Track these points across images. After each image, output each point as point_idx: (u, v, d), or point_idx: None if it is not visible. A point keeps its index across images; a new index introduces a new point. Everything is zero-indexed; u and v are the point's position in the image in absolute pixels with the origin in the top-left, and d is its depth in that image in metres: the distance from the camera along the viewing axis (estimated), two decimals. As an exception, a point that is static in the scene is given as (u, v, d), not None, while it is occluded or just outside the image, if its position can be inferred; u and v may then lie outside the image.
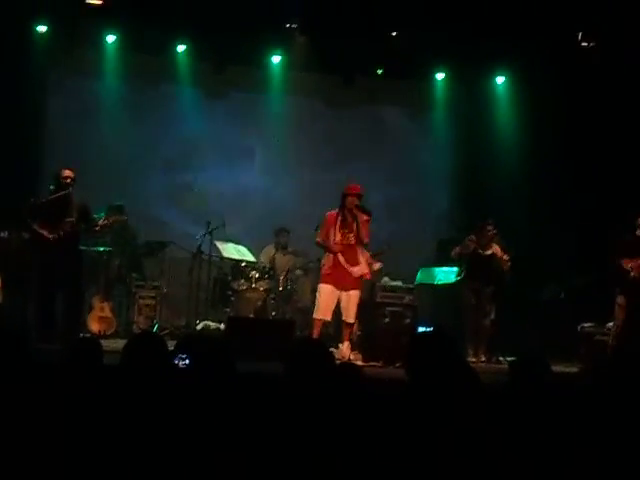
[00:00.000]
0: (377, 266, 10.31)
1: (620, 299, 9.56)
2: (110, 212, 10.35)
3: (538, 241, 11.34)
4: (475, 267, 10.24)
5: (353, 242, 9.33)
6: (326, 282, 9.37)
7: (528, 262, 10.52)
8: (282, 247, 11.61)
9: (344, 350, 9.22)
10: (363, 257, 9.45)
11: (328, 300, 9.35)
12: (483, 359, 10.04)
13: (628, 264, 9.42)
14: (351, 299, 9.36)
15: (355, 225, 9.31)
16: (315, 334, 9.17)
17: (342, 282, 9.33)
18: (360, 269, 9.37)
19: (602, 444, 3.50)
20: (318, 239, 9.50)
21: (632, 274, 9.42)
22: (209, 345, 3.94)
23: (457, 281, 10.77)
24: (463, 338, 9.88)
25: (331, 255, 9.34)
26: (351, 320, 9.42)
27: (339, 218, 9.33)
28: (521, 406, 3.73)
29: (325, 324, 9.70)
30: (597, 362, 8.71)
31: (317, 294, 9.54)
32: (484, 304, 10.30)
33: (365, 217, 9.29)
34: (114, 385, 3.89)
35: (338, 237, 9.32)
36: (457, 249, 10.40)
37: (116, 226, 10.36)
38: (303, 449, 3.31)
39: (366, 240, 9.45)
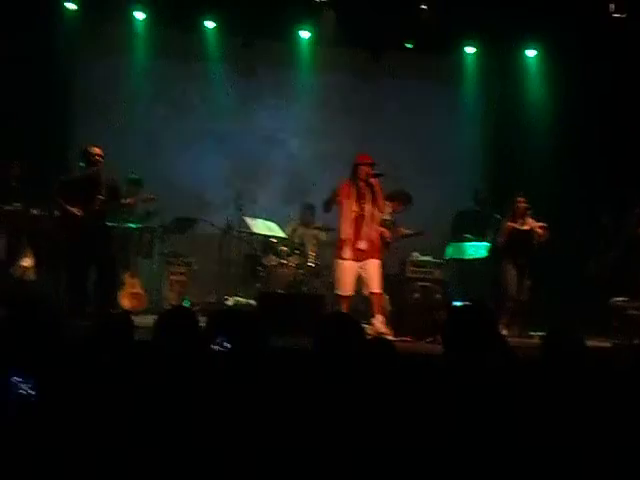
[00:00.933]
0: (403, 231, 10.27)
1: None
2: (129, 186, 10.42)
3: (568, 215, 11.24)
4: (514, 242, 10.20)
5: (370, 213, 9.23)
6: (342, 257, 9.24)
7: (558, 237, 10.44)
8: (307, 223, 11.60)
9: (377, 324, 9.07)
10: (375, 231, 9.31)
11: (347, 276, 9.21)
12: (514, 334, 10.00)
13: None
14: (370, 269, 9.20)
15: (372, 195, 9.19)
16: (344, 310, 8.98)
17: (358, 253, 9.19)
18: (366, 244, 9.20)
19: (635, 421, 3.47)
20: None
21: None
22: (242, 320, 3.94)
23: (489, 256, 10.75)
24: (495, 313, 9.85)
25: (345, 227, 9.20)
26: (376, 289, 9.24)
27: (353, 189, 9.16)
28: (554, 381, 3.72)
29: (353, 299, 9.62)
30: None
31: (335, 270, 9.44)
32: (523, 279, 10.26)
33: (378, 185, 9.14)
34: (146, 361, 3.90)
35: (355, 208, 9.18)
36: (501, 239, 10.34)
37: (143, 203, 10.43)
38: (334, 424, 3.31)
39: (383, 210, 9.37)
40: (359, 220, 9.19)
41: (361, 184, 9.13)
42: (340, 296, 9.29)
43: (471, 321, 3.72)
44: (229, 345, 3.78)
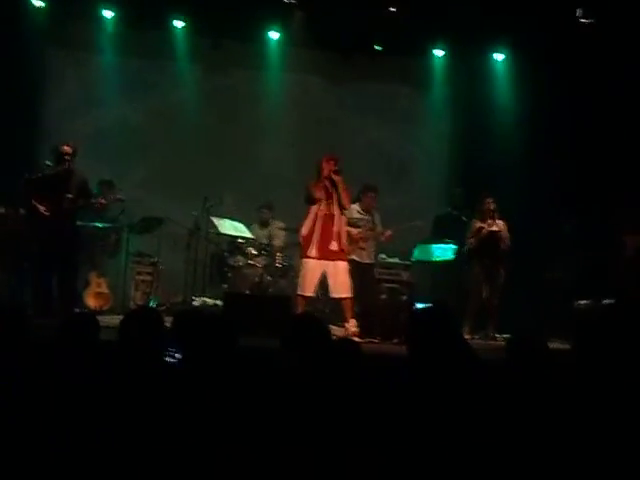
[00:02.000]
0: (388, 233, 10.29)
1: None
2: (102, 187, 10.41)
3: (536, 219, 11.31)
4: (481, 243, 10.23)
5: (338, 213, 9.23)
6: (308, 256, 9.21)
7: (524, 240, 10.50)
8: (265, 223, 11.60)
9: (352, 329, 9.09)
10: (341, 228, 9.30)
11: (311, 275, 9.19)
12: (477, 337, 10.03)
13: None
14: (339, 272, 9.20)
15: (335, 192, 9.20)
16: (299, 311, 8.88)
17: (328, 253, 9.17)
18: (337, 245, 9.21)
19: (600, 419, 3.50)
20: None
21: None
22: (208, 321, 3.94)
23: (456, 258, 10.81)
24: (458, 315, 9.86)
25: (311, 226, 9.18)
26: (347, 294, 9.23)
27: (321, 189, 9.17)
28: (518, 382, 3.74)
29: (312, 301, 9.60)
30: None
31: (301, 270, 9.43)
32: (492, 281, 10.28)
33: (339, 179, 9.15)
34: (111, 360, 3.89)
35: (323, 207, 9.19)
36: (471, 240, 10.36)
37: (113, 204, 10.41)
38: (301, 424, 3.31)
39: (348, 206, 9.36)
40: (327, 219, 9.20)
41: (326, 182, 9.16)
42: (300, 296, 9.27)
43: (431, 323, 3.74)
44: (179, 356, 3.79)
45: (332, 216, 9.20)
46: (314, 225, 9.18)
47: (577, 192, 11.32)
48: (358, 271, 9.82)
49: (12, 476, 3.22)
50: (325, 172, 9.15)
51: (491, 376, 3.76)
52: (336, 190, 9.16)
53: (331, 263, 9.18)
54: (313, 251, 9.16)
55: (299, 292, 9.30)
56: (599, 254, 9.82)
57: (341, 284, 9.21)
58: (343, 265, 9.26)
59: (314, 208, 9.19)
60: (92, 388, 3.54)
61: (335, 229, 9.20)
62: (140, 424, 3.34)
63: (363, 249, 10.25)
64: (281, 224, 11.50)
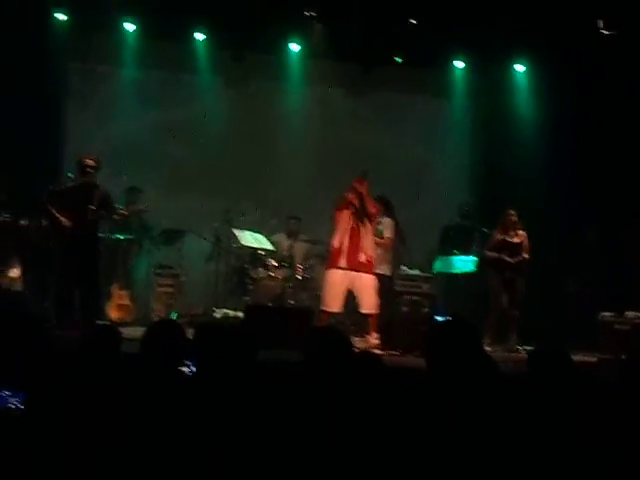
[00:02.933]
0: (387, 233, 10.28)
1: None
2: (128, 194, 10.48)
3: (555, 231, 11.28)
4: (502, 254, 10.21)
5: (366, 226, 9.30)
6: (335, 266, 9.28)
7: (546, 251, 10.47)
8: (293, 234, 11.61)
9: (373, 341, 9.14)
10: (368, 240, 9.36)
11: (336, 289, 9.24)
12: (499, 349, 9.99)
13: None
14: (366, 286, 9.24)
15: (363, 207, 9.27)
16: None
17: (356, 264, 9.23)
18: (364, 257, 9.27)
19: (621, 435, 3.48)
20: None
21: None
22: (229, 334, 3.95)
23: (477, 270, 10.78)
24: (479, 327, 9.82)
25: (340, 237, 9.26)
26: (373, 310, 9.27)
27: (349, 203, 9.29)
28: (541, 395, 3.72)
29: (338, 315, 9.61)
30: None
31: (325, 282, 9.46)
32: (512, 292, 10.25)
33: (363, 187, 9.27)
34: (132, 373, 3.90)
35: (351, 220, 9.28)
36: (489, 251, 10.33)
37: (136, 215, 10.47)
38: (322, 437, 3.31)
39: (373, 210, 9.40)
40: (354, 232, 9.22)
41: (352, 196, 9.23)
42: (324, 312, 9.28)
43: (451, 336, 3.73)
44: (194, 369, 3.80)
45: (359, 230, 9.23)
46: (343, 236, 9.21)
47: (599, 200, 11.27)
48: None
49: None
50: (352, 190, 9.24)
51: (513, 388, 3.74)
52: (362, 202, 9.20)
53: (357, 275, 9.20)
54: (343, 261, 9.19)
55: (323, 307, 9.31)
56: (623, 263, 9.75)
57: (369, 299, 9.25)
58: (370, 279, 9.29)
59: (342, 220, 9.23)
60: (114, 401, 3.55)
61: (364, 243, 9.23)
62: (159, 436, 3.35)
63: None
64: (304, 237, 11.52)
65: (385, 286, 10.16)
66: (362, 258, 9.21)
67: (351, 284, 9.22)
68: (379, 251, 10.19)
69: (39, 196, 9.35)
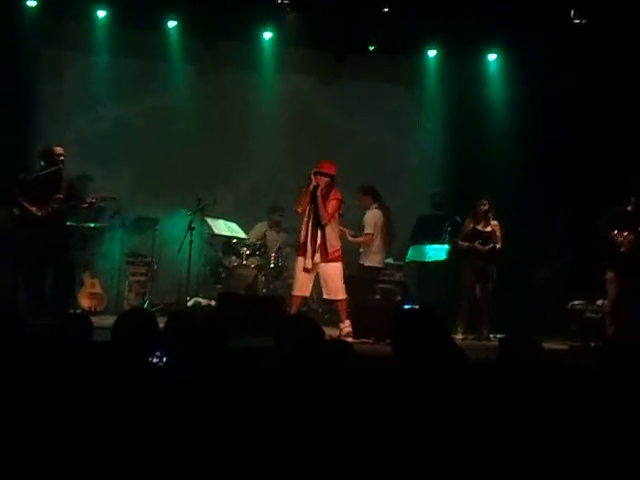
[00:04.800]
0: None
1: (610, 275, 9.34)
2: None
3: (529, 218, 11.32)
4: (473, 243, 10.23)
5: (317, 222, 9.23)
6: (302, 255, 9.25)
7: (517, 240, 10.51)
8: (276, 224, 11.60)
9: (346, 329, 9.16)
10: (335, 232, 9.30)
11: (306, 275, 9.22)
12: (471, 337, 10.03)
13: (618, 237, 9.15)
14: (331, 273, 9.23)
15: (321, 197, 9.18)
16: (294, 310, 9.02)
17: (318, 258, 9.16)
18: (319, 257, 9.20)
19: (594, 421, 3.51)
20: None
21: (622, 249, 9.14)
22: (200, 323, 3.95)
23: (448, 259, 10.81)
24: (451, 315, 9.86)
25: (304, 233, 9.22)
26: (341, 296, 9.27)
27: (307, 194, 9.21)
28: (511, 382, 3.75)
29: (309, 302, 9.61)
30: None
31: (295, 269, 9.46)
32: (484, 281, 10.28)
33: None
34: (104, 361, 3.89)
35: (308, 210, 9.21)
36: (461, 240, 10.34)
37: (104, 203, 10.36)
38: (294, 425, 3.32)
39: (323, 221, 9.18)
40: (314, 228, 9.15)
41: (310, 188, 9.15)
42: (295, 296, 9.31)
43: (416, 324, 3.75)
44: (165, 360, 3.79)
45: (316, 219, 9.17)
46: (306, 232, 9.18)
47: (570, 188, 11.31)
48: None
49: (7, 476, 3.22)
50: (310, 187, 9.13)
51: (484, 376, 3.76)
52: (315, 204, 9.14)
53: (323, 264, 9.17)
54: (309, 260, 9.16)
55: (293, 292, 9.31)
56: (593, 253, 9.79)
57: (334, 286, 9.23)
58: (333, 267, 9.22)
59: (305, 215, 9.19)
60: (85, 389, 3.54)
61: (326, 237, 9.16)
62: (132, 425, 3.34)
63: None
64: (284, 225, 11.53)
65: (374, 278, 10.21)
66: (324, 252, 9.14)
67: (319, 270, 9.21)
68: (361, 248, 10.25)
69: (9, 186, 9.27)
